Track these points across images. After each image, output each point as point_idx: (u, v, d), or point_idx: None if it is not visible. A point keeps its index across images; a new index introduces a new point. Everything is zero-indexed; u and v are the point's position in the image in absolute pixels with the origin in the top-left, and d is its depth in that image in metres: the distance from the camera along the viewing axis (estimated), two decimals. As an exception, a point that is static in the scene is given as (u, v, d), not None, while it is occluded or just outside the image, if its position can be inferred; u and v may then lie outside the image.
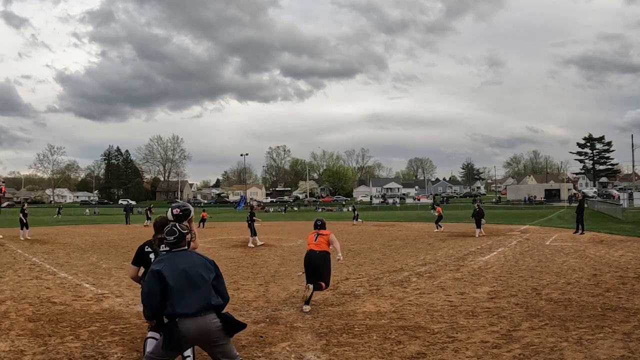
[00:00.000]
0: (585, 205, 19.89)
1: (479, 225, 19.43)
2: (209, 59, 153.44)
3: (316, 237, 7.50)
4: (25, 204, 22.40)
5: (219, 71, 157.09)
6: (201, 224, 28.94)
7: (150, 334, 4.19)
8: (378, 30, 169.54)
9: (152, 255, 4.39)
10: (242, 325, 3.61)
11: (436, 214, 24.79)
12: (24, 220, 19.39)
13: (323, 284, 7.13)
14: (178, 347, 3.42)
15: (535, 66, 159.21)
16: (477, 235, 18.94)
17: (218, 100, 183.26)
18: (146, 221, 31.61)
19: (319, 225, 7.63)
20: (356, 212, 34.82)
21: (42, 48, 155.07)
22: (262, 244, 16.86)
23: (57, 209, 57.91)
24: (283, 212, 62.15)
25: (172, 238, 3.66)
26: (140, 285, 3.94)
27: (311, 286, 6.95)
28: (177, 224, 3.76)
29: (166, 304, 3.42)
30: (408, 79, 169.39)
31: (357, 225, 30.73)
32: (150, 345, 3.99)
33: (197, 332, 3.39)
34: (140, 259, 4.50)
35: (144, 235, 22.87)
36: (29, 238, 18.97)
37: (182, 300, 3.40)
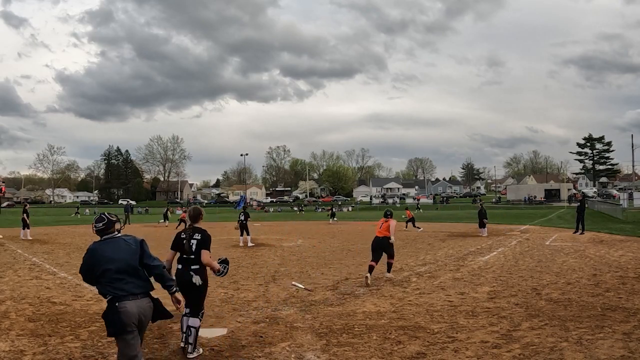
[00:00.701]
0: (586, 206, 19.91)
1: (483, 225, 19.37)
2: (209, 59, 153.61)
3: (381, 225, 9.67)
4: (27, 204, 22.41)
5: (218, 71, 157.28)
6: (182, 223, 26.78)
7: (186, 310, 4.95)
8: (378, 30, 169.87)
9: (185, 242, 4.97)
10: (168, 315, 3.87)
11: (406, 216, 24.94)
12: (27, 221, 19.39)
13: (392, 260, 9.81)
14: (119, 328, 3.54)
15: (535, 66, 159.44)
16: (484, 235, 18.98)
17: (218, 100, 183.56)
18: (165, 221, 32.20)
19: (388, 215, 9.74)
20: (333, 211, 35.45)
21: (41, 48, 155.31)
22: (252, 245, 16.81)
23: (76, 207, 58.54)
24: (298, 212, 63.10)
25: (101, 225, 3.84)
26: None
27: (369, 275, 8.96)
28: (106, 213, 4.03)
29: (99, 287, 3.65)
30: (408, 79, 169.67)
31: (333, 224, 30.89)
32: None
33: (137, 311, 3.58)
34: (176, 244, 5.04)
35: (143, 235, 22.77)
36: (30, 238, 18.95)
37: (113, 283, 3.59)
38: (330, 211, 36.31)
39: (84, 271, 3.75)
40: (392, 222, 9.54)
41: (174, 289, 3.93)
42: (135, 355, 3.59)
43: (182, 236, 5.03)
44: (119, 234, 3.88)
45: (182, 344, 4.98)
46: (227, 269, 5.15)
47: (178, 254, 5.05)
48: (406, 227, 24.04)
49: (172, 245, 5.07)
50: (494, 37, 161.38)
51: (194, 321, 4.91)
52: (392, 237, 9.48)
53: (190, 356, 4.83)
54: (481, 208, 19.93)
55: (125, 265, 3.64)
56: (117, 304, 3.53)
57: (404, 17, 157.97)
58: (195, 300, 4.96)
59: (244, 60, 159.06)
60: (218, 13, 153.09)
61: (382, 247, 9.48)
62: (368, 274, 8.92)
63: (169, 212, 34.80)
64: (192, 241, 4.96)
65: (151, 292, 3.78)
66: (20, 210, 20.83)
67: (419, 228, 23.34)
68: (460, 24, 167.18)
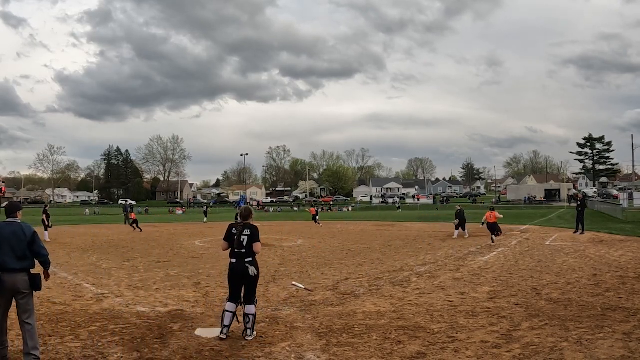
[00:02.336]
0: (586, 206, 19.92)
1: (463, 227, 18.71)
2: (208, 58, 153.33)
3: (490, 216, 17.15)
4: (47, 205, 22.35)
5: (217, 71, 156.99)
6: (134, 226, 25.75)
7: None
8: (376, 30, 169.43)
9: (236, 236, 5.53)
10: (39, 288, 4.72)
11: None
12: (47, 222, 19.23)
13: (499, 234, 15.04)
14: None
15: (534, 66, 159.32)
16: (456, 237, 18.38)
17: (217, 100, 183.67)
18: (204, 219, 35.28)
19: (492, 209, 14.42)
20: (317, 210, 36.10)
21: (40, 48, 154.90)
22: None
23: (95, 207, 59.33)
24: (329, 210, 66.19)
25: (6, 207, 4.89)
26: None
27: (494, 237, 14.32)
28: (13, 201, 5.04)
29: None
30: (407, 79, 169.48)
31: (317, 225, 30.45)
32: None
33: (12, 284, 4.51)
34: (227, 236, 5.62)
35: (143, 235, 22.87)
36: (48, 240, 18.65)
37: (2, 257, 4.52)
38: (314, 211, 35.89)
39: None
40: (492, 213, 17.49)
41: (48, 268, 4.98)
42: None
43: (233, 231, 5.55)
44: (19, 220, 4.79)
45: (222, 336, 5.43)
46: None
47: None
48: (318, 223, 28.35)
49: (224, 237, 5.67)
50: (493, 37, 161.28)
51: (250, 308, 5.44)
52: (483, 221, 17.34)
53: (249, 338, 5.38)
54: (460, 209, 19.22)
55: (13, 246, 4.57)
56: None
57: (402, 16, 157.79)
58: (251, 289, 5.51)
59: (243, 60, 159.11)
60: (216, 13, 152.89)
61: (494, 228, 16.90)
62: (493, 236, 16.19)
63: (208, 209, 38.95)
64: (243, 237, 5.49)
65: (31, 270, 4.68)
66: (42, 211, 20.59)
67: (320, 224, 27.86)
68: (459, 24, 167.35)
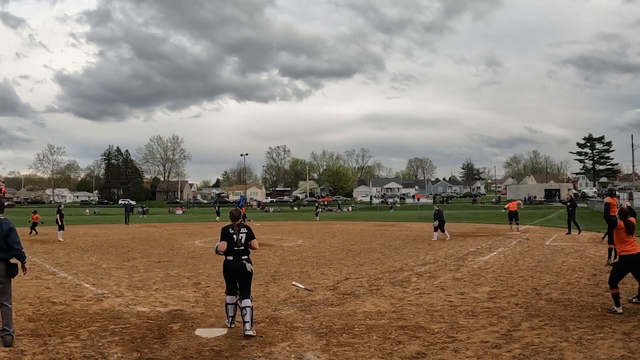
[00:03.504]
0: (576, 204, 19.92)
1: (442, 228, 17.88)
2: (207, 58, 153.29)
3: (509, 206, 20.00)
4: (62, 205, 22.25)
5: (217, 71, 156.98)
6: (32, 230, 22.56)
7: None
8: (376, 29, 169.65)
9: (234, 236, 5.87)
10: (15, 273, 5.38)
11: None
12: (60, 222, 19.14)
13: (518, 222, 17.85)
14: None
15: (533, 66, 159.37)
16: (435, 239, 17.65)
17: (216, 100, 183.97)
18: (217, 218, 37.13)
19: (512, 200, 16.21)
20: (318, 210, 37.61)
21: (39, 48, 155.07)
22: None
23: (143, 208, 60.03)
24: (339, 210, 66.79)
25: None
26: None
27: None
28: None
29: None
30: (406, 79, 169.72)
31: (317, 223, 31.16)
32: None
33: None
34: (224, 237, 5.88)
35: (143, 235, 22.88)
36: (61, 240, 18.60)
37: None
38: (315, 210, 37.29)
39: None
40: (516, 202, 21.01)
41: (24, 261, 5.50)
42: None
43: (230, 231, 5.88)
44: (3, 216, 5.40)
45: (228, 325, 5.93)
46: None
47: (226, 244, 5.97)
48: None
49: (222, 239, 5.91)
50: (492, 37, 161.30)
51: (247, 302, 5.69)
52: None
53: (249, 333, 5.50)
54: (438, 210, 18.45)
55: None
56: None
57: (402, 16, 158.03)
58: (247, 284, 5.83)
59: (242, 60, 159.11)
60: (215, 12, 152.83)
61: (514, 216, 20.30)
62: (516, 226, 20.25)
63: (220, 209, 40.59)
64: (241, 235, 5.87)
65: (10, 260, 5.31)
66: (56, 211, 20.29)
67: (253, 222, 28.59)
68: (458, 24, 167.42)
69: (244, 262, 5.79)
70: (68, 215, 54.64)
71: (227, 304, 5.99)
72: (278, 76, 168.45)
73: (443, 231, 18.03)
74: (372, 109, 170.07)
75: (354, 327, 5.93)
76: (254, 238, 5.94)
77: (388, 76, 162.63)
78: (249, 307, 5.65)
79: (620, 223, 6.62)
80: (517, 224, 20.80)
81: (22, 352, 4.97)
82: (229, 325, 5.93)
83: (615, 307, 6.31)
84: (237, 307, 5.89)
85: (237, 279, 5.80)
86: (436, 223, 17.94)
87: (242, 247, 5.82)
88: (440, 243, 16.69)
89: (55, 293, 8.20)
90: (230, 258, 5.81)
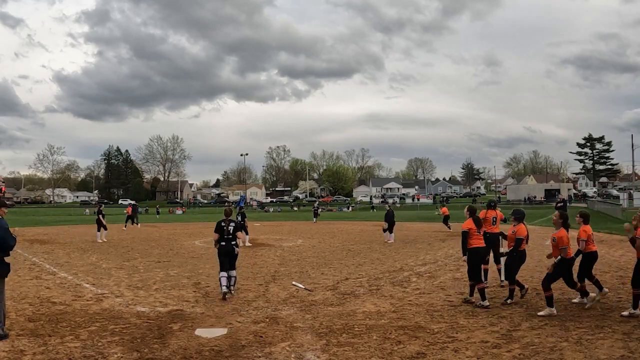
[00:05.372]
0: (568, 206, 19.81)
1: (391, 230, 17.07)
2: (206, 58, 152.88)
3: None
4: (102, 205, 22.14)
5: (216, 71, 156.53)
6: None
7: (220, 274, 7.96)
8: (374, 29, 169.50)
9: (225, 227, 8.11)
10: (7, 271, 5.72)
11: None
12: (102, 222, 18.85)
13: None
14: None
15: (532, 66, 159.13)
16: (388, 241, 16.91)
17: (216, 100, 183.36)
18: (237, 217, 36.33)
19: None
20: (317, 211, 36.47)
21: (38, 48, 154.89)
22: (250, 245, 16.73)
23: (156, 209, 59.32)
24: (348, 209, 67.44)
25: None
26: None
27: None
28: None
29: None
30: (405, 78, 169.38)
31: (314, 224, 30.92)
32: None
33: None
34: (217, 229, 8.15)
35: (143, 235, 22.88)
36: (105, 240, 18.42)
37: None
38: (314, 211, 36.84)
39: None
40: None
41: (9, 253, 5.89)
42: None
43: (222, 224, 8.10)
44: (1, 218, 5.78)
45: (224, 290, 7.68)
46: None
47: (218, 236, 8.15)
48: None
49: (215, 230, 8.21)
50: (491, 37, 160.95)
51: (232, 272, 8.03)
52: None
53: (230, 295, 7.76)
54: (389, 210, 17.74)
55: None
56: None
57: (400, 16, 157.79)
58: (233, 262, 8.10)
59: (242, 60, 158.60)
60: (214, 12, 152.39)
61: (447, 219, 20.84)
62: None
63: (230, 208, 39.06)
64: (230, 227, 8.11)
65: (5, 259, 5.68)
66: (96, 211, 19.86)
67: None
68: (457, 24, 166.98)
69: (233, 246, 8.06)
70: (68, 215, 54.78)
71: (220, 277, 7.81)
72: (277, 76, 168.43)
73: (391, 233, 17.20)
74: (372, 109, 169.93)
75: (354, 327, 5.93)
76: (240, 230, 8.45)
77: (387, 76, 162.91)
78: (234, 277, 8.08)
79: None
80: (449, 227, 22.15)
81: (22, 352, 4.97)
82: (224, 290, 7.67)
83: (482, 302, 6.86)
84: (227, 278, 7.77)
85: (227, 258, 7.93)
86: (385, 225, 17.24)
87: (231, 236, 8.05)
88: (440, 243, 16.67)
89: (55, 293, 8.21)
90: (223, 243, 8.04)
